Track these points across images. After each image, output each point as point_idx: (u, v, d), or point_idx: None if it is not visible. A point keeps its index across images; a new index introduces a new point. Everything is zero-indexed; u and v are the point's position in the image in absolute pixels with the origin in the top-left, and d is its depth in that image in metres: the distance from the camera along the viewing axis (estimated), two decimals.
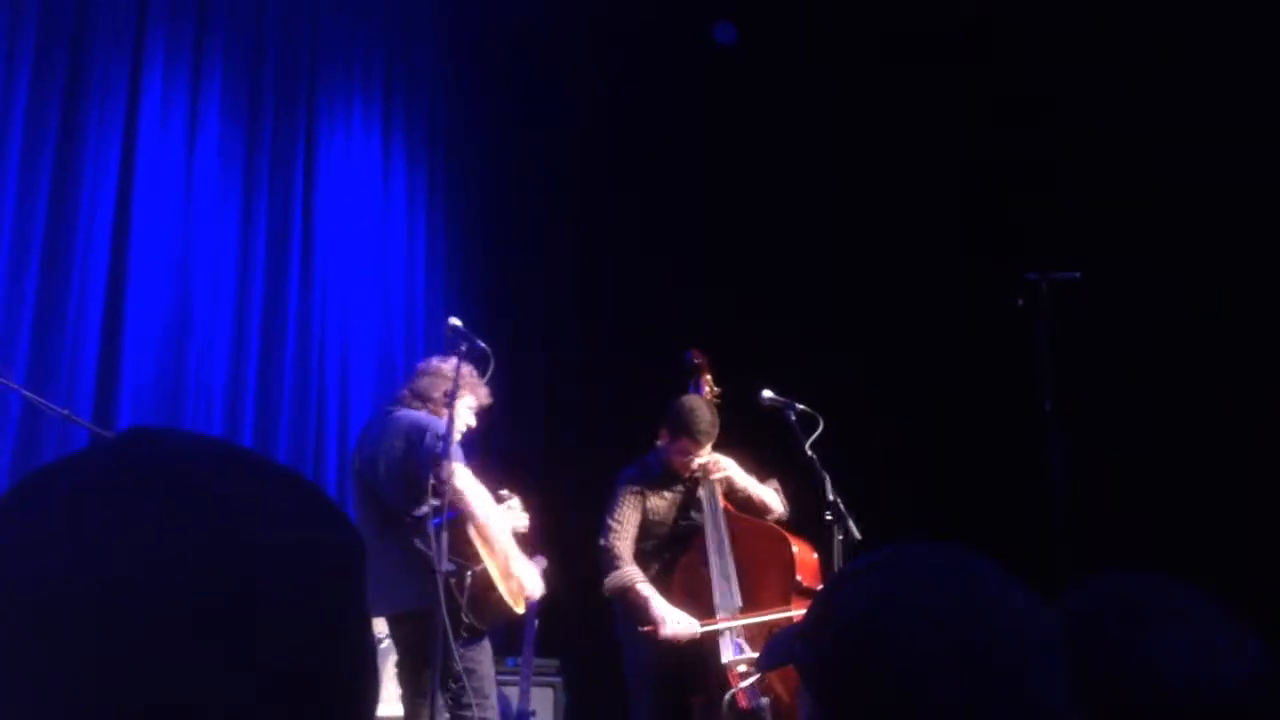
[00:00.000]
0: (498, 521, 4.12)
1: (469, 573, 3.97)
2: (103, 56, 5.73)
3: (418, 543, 3.97)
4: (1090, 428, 5.22)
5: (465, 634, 3.99)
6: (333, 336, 6.28)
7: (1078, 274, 4.40)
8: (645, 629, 4.39)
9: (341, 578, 0.70)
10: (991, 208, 6.43)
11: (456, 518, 4.00)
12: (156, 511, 0.65)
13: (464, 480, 4.02)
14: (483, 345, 4.36)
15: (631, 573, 4.49)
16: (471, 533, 4.06)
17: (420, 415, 4.24)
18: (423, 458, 4.01)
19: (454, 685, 3.97)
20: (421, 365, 4.46)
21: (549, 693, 5.65)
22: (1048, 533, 4.24)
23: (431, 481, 3.89)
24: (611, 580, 4.50)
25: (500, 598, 4.08)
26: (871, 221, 6.69)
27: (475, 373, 4.35)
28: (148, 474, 0.67)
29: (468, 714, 3.99)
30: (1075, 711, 1.14)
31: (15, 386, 4.32)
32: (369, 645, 0.72)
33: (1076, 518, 4.24)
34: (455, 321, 4.34)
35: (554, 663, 5.78)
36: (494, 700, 4.17)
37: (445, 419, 4.06)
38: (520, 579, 4.15)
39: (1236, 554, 4.86)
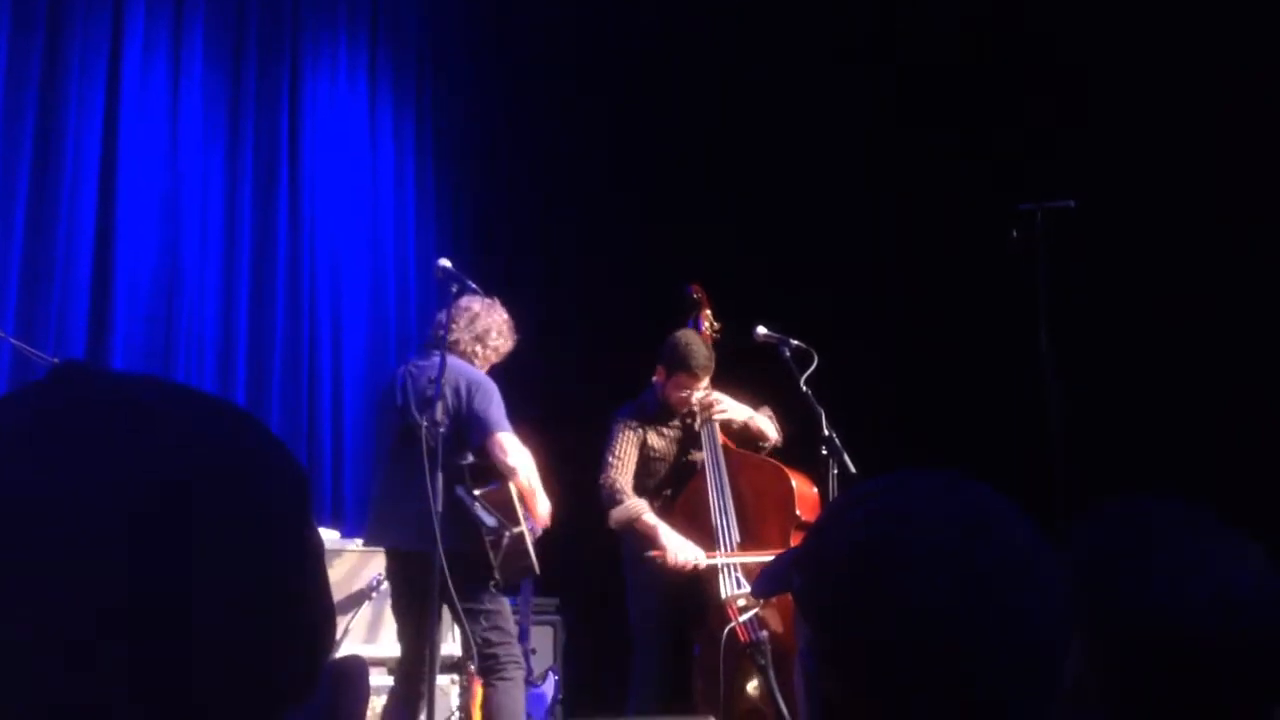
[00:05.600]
0: (538, 484, 4.25)
1: (507, 534, 4.07)
2: (83, 3, 5.64)
3: (459, 490, 4.08)
4: (1086, 361, 5.21)
5: (494, 588, 4.17)
6: (323, 282, 6.25)
7: (1072, 203, 4.37)
8: (653, 553, 4.42)
9: (291, 504, 0.70)
10: (987, 138, 6.36)
11: (501, 485, 4.16)
12: (100, 434, 0.65)
13: (513, 451, 4.14)
14: (474, 286, 4.35)
15: (637, 504, 4.51)
16: (513, 494, 4.16)
17: (467, 369, 4.27)
18: (471, 419, 4.15)
19: (482, 626, 4.13)
20: (465, 305, 4.40)
21: (549, 630, 5.70)
22: (1044, 467, 4.24)
23: (478, 446, 4.14)
24: (617, 513, 4.51)
25: (528, 562, 4.19)
26: (867, 155, 6.64)
27: (510, 323, 4.47)
28: (90, 401, 0.67)
29: (497, 651, 4.15)
30: (1081, 639, 1.13)
31: (4, 335, 4.30)
32: (322, 576, 0.71)
33: (1073, 452, 4.24)
34: (445, 263, 4.31)
35: (553, 601, 5.82)
36: (518, 639, 4.35)
37: (484, 373, 4.28)
38: (544, 516, 4.30)
39: (1235, 487, 4.86)
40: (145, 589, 0.62)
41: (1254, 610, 1.14)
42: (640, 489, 4.65)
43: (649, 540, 4.44)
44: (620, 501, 4.51)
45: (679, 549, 4.38)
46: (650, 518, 4.48)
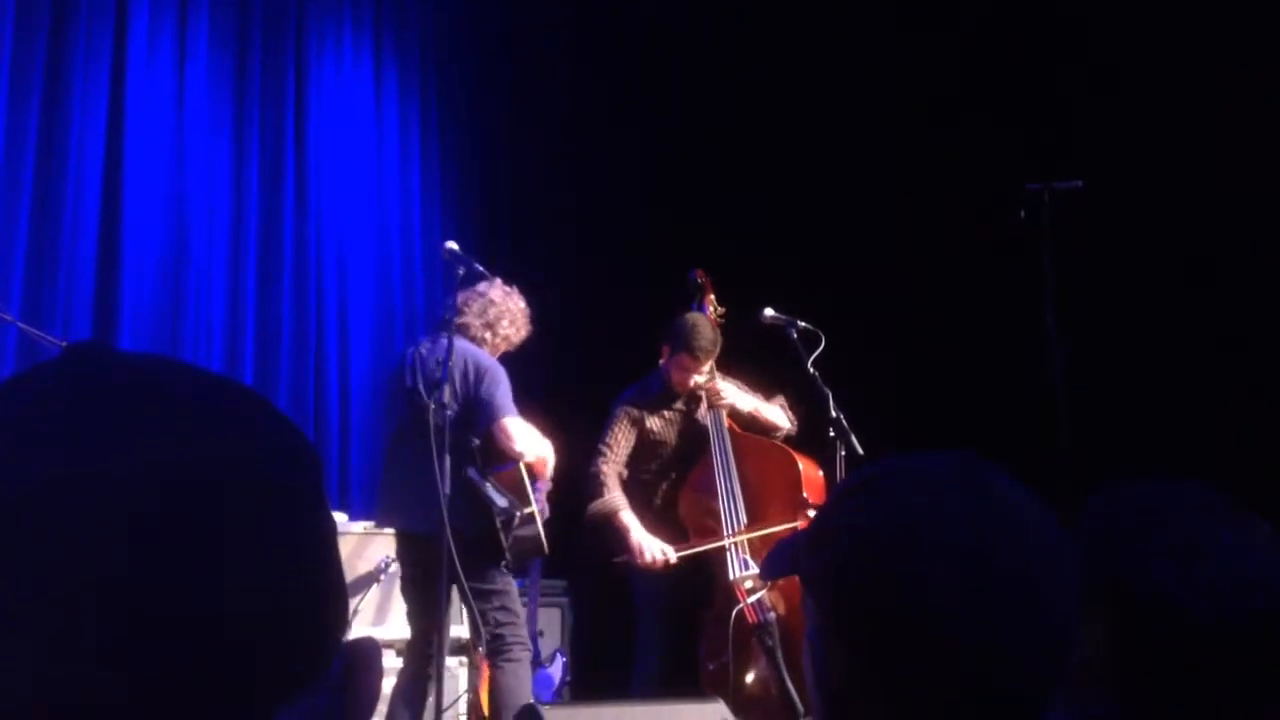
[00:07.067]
0: (546, 458, 4.25)
1: (518, 514, 4.08)
2: None
3: (470, 471, 4.08)
4: (1093, 340, 5.19)
5: (504, 568, 4.19)
6: (329, 263, 6.25)
7: (1080, 183, 4.35)
8: (620, 559, 4.45)
9: (304, 485, 0.70)
10: (994, 118, 6.33)
11: (513, 466, 4.16)
12: (115, 416, 0.65)
13: (519, 436, 4.13)
14: (480, 268, 4.34)
15: (615, 499, 4.52)
16: (524, 475, 4.17)
17: (475, 352, 4.26)
18: (478, 403, 4.14)
19: (491, 606, 4.13)
20: (482, 290, 4.41)
21: (556, 612, 5.72)
22: (1051, 449, 4.23)
23: (484, 430, 4.12)
24: (594, 507, 4.53)
25: (538, 542, 4.19)
26: (872, 135, 6.61)
27: (526, 313, 4.46)
28: (105, 382, 0.67)
29: (504, 631, 4.15)
30: (1088, 621, 1.13)
31: (11, 319, 4.30)
32: (335, 556, 0.71)
33: (1080, 434, 4.23)
34: (452, 245, 4.31)
35: (561, 583, 5.83)
36: (524, 621, 4.34)
37: (493, 358, 4.26)
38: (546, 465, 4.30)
39: (1241, 467, 4.84)
40: (159, 572, 0.62)
41: (1258, 592, 1.13)
42: (643, 473, 4.65)
43: (622, 539, 4.46)
44: (601, 495, 4.52)
45: (647, 548, 4.40)
46: (625, 516, 4.48)
